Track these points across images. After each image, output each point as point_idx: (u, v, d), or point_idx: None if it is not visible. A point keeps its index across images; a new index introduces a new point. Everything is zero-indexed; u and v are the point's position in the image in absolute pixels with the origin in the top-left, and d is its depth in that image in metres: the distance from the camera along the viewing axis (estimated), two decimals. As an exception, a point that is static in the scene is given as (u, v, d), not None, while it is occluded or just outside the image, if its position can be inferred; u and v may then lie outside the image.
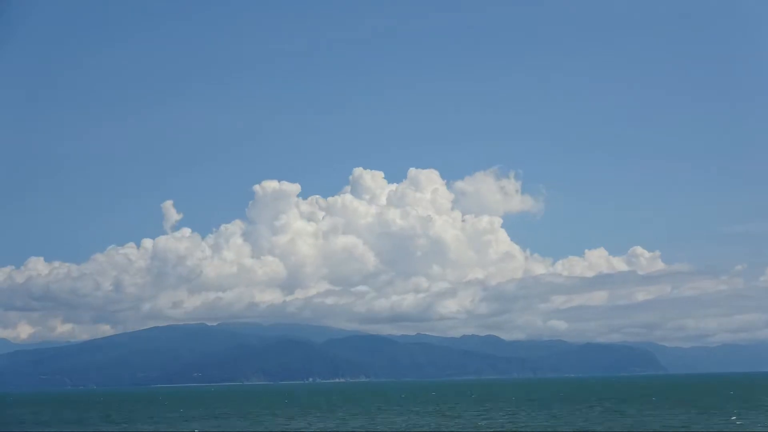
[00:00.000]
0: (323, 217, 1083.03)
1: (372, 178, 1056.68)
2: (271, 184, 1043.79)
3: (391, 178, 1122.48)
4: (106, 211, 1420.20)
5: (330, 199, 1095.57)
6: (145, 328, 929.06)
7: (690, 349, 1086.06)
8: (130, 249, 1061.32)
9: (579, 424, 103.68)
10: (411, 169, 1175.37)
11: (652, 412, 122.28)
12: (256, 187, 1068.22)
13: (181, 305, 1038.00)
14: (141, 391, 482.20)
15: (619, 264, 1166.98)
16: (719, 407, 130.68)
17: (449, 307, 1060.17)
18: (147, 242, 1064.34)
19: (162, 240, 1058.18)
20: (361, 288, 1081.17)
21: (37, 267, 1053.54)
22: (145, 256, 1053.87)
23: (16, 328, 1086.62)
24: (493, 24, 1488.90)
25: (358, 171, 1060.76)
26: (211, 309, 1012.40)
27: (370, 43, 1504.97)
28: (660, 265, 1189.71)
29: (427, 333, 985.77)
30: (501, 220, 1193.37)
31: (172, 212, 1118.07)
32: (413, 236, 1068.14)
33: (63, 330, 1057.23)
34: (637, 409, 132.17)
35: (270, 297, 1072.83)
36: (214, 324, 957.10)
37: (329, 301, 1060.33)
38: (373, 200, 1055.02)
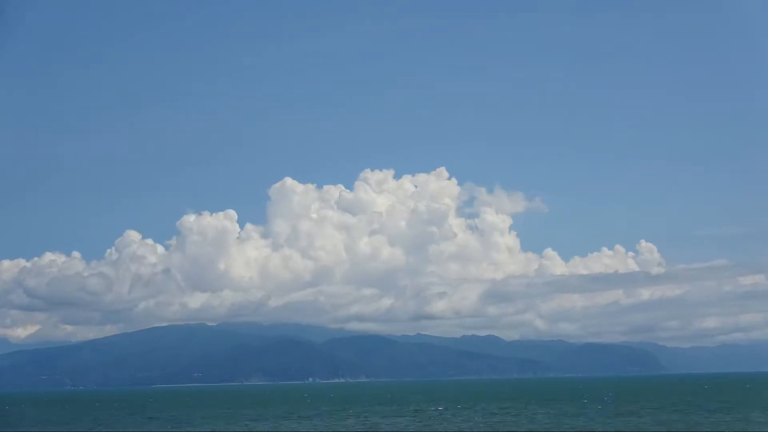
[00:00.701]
0: (334, 218, 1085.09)
1: (381, 179, 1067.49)
2: (286, 184, 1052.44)
3: (398, 177, 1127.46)
4: (108, 211, 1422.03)
5: (341, 200, 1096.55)
6: (145, 328, 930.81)
7: (690, 349, 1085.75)
8: (135, 249, 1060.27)
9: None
10: (418, 169, 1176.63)
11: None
12: (271, 188, 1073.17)
13: (182, 305, 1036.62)
14: (142, 391, 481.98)
15: (620, 264, 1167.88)
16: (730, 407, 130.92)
17: (449, 306, 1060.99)
18: (152, 242, 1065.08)
19: (169, 240, 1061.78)
20: (366, 289, 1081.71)
21: (38, 267, 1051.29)
22: (150, 256, 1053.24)
23: (17, 328, 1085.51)
24: (494, 25, 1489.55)
25: (367, 172, 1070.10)
26: (211, 309, 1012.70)
27: (371, 46, 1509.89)
28: (661, 266, 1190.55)
29: (427, 333, 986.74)
30: (509, 220, 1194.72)
31: (178, 212, 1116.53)
32: (415, 236, 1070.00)
33: (63, 330, 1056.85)
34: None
35: (271, 297, 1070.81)
36: (214, 324, 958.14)
37: (332, 300, 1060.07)
38: (382, 200, 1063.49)
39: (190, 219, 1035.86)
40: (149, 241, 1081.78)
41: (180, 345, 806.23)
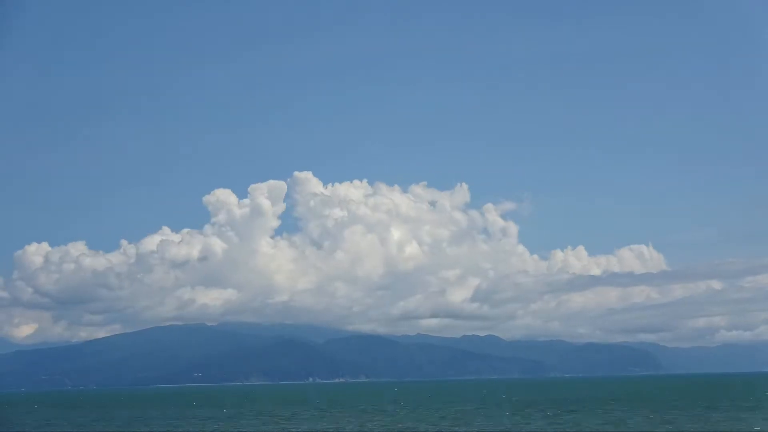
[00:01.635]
0: (336, 219, 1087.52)
1: (386, 184, 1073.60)
2: (298, 184, 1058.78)
3: (406, 182, 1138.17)
4: (108, 210, 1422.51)
5: (344, 202, 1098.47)
6: (146, 328, 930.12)
7: (690, 349, 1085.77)
8: (136, 249, 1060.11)
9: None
10: (425, 171, 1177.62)
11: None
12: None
13: (183, 304, 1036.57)
14: (142, 391, 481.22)
15: (620, 265, 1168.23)
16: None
17: (449, 306, 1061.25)
18: (153, 242, 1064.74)
19: (175, 238, 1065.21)
20: (366, 289, 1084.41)
21: (40, 265, 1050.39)
22: (152, 256, 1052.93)
23: (17, 328, 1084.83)
24: (492, 25, 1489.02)
25: (376, 182, 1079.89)
26: (211, 309, 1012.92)
27: (369, 47, 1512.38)
28: (661, 266, 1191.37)
29: (427, 333, 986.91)
30: (510, 220, 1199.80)
31: (181, 211, 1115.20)
32: (415, 236, 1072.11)
33: (63, 330, 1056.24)
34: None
35: (269, 296, 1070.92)
36: (214, 324, 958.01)
37: (332, 300, 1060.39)
38: (385, 202, 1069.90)
39: (197, 213, 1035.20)
40: (150, 241, 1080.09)
41: (180, 345, 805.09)
